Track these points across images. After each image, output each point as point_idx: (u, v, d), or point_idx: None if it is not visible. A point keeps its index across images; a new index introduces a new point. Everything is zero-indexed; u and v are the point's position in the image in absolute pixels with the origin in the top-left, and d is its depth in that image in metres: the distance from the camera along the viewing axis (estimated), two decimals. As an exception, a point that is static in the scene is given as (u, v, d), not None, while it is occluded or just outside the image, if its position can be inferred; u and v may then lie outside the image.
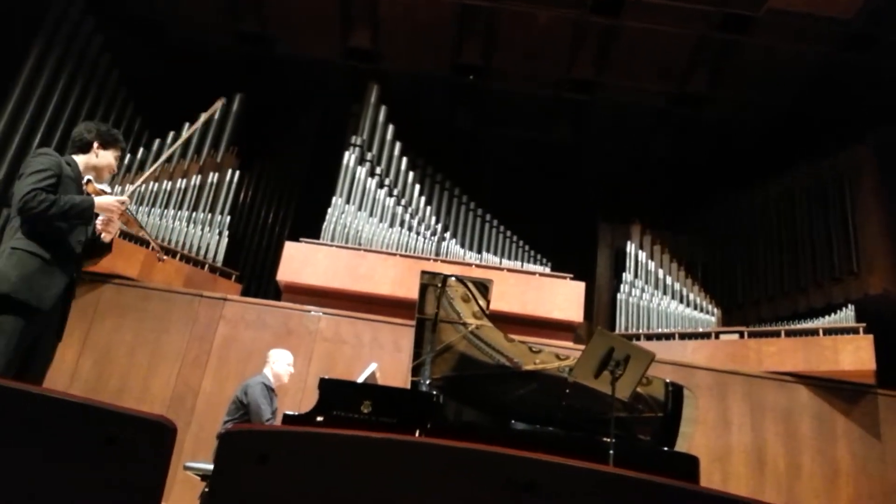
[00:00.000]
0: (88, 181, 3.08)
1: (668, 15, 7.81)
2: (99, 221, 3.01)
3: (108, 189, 3.16)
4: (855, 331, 7.05)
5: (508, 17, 8.26)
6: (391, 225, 8.01)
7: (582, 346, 5.11)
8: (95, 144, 3.18)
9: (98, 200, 2.95)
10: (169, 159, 8.13)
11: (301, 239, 7.68)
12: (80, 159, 3.15)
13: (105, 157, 3.20)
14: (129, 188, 3.29)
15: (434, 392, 4.14)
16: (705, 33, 8.05)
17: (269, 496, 1.24)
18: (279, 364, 5.18)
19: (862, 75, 8.05)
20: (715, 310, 8.12)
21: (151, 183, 7.82)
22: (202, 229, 7.80)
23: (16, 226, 2.87)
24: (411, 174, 8.56)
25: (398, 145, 8.65)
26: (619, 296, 8.27)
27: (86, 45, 8.05)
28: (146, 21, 8.85)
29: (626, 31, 8.19)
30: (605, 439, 3.80)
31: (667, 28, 8.00)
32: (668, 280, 8.33)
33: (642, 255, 8.50)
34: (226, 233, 7.97)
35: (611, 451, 3.59)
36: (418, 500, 1.31)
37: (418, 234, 8.04)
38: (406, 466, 1.31)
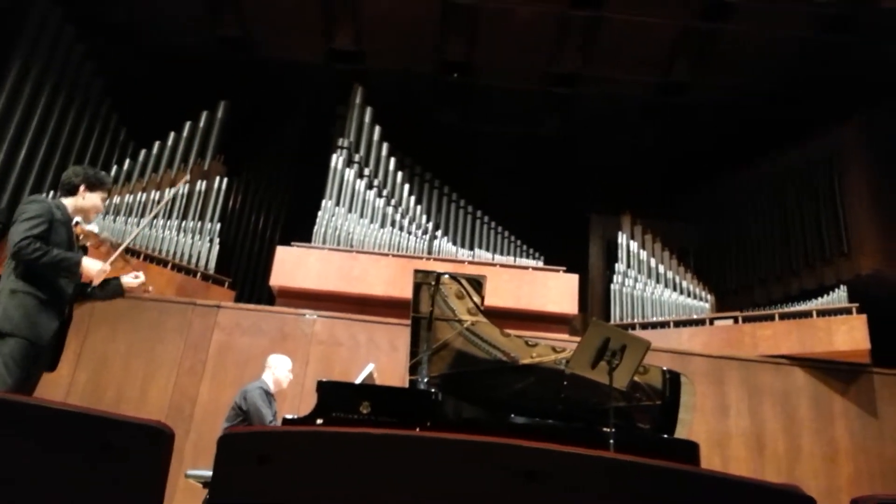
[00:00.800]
0: (77, 223, 3.31)
1: (649, 5, 7.83)
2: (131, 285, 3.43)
3: (95, 229, 3.39)
4: (848, 311, 7.09)
5: (490, 13, 8.26)
6: (382, 225, 8.00)
7: (577, 338, 5.11)
8: (82, 188, 3.38)
9: (84, 263, 3.21)
10: (155, 170, 8.11)
11: (293, 243, 7.66)
12: (69, 202, 3.36)
13: (91, 200, 3.41)
14: (114, 255, 3.40)
15: (432, 390, 4.13)
16: (687, 22, 8.07)
17: (270, 497, 1.23)
18: (279, 370, 5.16)
19: (844, 56, 8.08)
20: (708, 296, 8.14)
21: (140, 194, 7.79)
22: (192, 237, 7.77)
23: (12, 266, 3.14)
24: (400, 174, 8.54)
25: (385, 146, 8.63)
26: (612, 286, 8.29)
27: (67, 54, 7.99)
28: (127, 29, 8.78)
29: (609, 22, 8.19)
30: (604, 429, 3.81)
31: (649, 18, 8.02)
32: (661, 268, 8.35)
33: (634, 245, 8.51)
34: (217, 240, 7.93)
35: (611, 441, 3.60)
36: (421, 495, 1.30)
37: (410, 233, 8.03)
38: (407, 462, 1.31)
